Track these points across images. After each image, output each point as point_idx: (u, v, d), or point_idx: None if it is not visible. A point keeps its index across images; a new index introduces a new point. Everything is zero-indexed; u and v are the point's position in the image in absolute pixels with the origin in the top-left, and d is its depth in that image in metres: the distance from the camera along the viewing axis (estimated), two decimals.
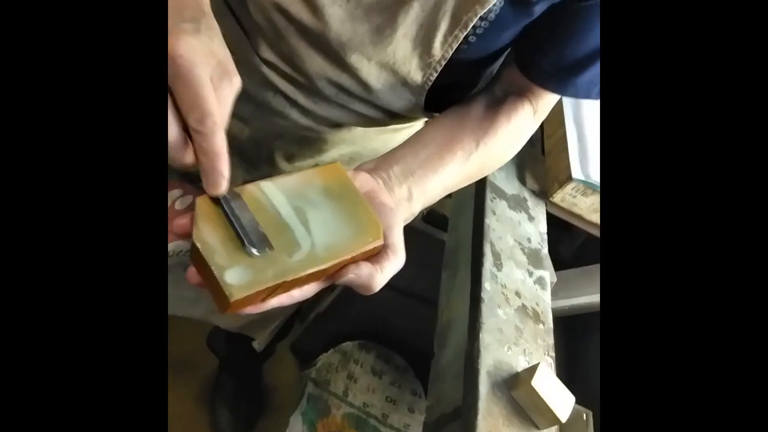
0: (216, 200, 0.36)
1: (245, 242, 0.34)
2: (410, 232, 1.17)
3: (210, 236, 0.34)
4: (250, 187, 0.38)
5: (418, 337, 1.18)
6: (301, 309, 1.23)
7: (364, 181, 0.43)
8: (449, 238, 0.89)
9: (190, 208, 0.66)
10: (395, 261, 0.39)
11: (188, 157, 0.34)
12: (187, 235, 0.35)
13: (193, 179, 0.65)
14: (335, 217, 0.38)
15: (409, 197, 0.45)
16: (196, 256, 0.34)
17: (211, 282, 0.34)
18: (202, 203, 0.36)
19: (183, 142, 0.34)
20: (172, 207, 0.66)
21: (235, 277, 0.33)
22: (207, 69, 0.33)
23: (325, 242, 0.37)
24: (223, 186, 0.35)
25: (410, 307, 1.20)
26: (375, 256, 0.38)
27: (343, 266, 0.37)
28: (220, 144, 0.34)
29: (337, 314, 1.23)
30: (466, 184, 0.52)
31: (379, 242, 0.38)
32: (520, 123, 0.53)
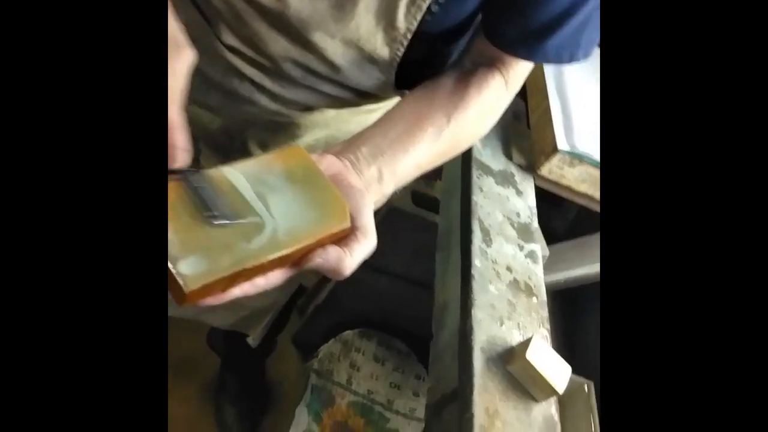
0: (175, 183, 0.35)
1: (210, 211, 0.33)
2: (403, 216, 1.16)
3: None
4: (211, 172, 0.37)
5: (418, 321, 1.18)
6: (297, 302, 1.23)
7: (330, 164, 0.42)
8: (441, 220, 0.89)
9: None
10: (365, 243, 0.38)
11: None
12: None
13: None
14: (298, 201, 0.37)
15: (380, 178, 0.44)
16: None
17: (169, 274, 0.32)
18: None
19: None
20: None
21: (189, 267, 0.32)
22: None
23: (287, 227, 0.36)
24: (180, 158, 0.34)
25: (408, 292, 1.20)
26: (344, 239, 0.38)
27: (310, 251, 0.36)
28: (174, 116, 0.33)
29: (336, 305, 1.22)
30: (440, 162, 0.51)
31: (346, 225, 0.37)
32: (492, 95, 0.52)
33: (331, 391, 1.12)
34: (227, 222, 0.34)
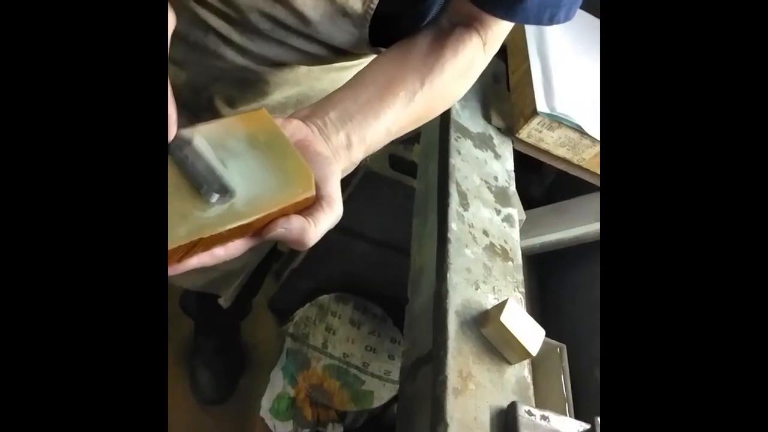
0: None
1: (204, 189, 0.32)
2: (380, 180, 1.14)
3: None
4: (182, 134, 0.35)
5: (395, 286, 1.18)
6: (272, 266, 1.22)
7: (295, 129, 0.40)
8: (419, 184, 0.87)
9: None
10: (330, 213, 0.37)
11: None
12: None
13: None
14: (260, 168, 0.35)
15: (348, 145, 0.42)
16: None
17: None
18: None
19: None
20: None
21: None
22: None
23: (247, 195, 0.34)
24: (171, 132, 0.33)
25: (385, 257, 1.19)
26: (308, 208, 0.36)
27: (272, 220, 0.35)
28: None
29: (312, 269, 1.21)
30: (413, 127, 0.49)
31: (311, 193, 0.36)
32: (468, 56, 0.49)
33: (307, 354, 1.12)
34: (219, 197, 0.33)
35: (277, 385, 1.11)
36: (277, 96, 0.59)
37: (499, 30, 0.51)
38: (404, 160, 1.11)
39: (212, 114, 0.60)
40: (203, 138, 0.35)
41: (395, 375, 1.15)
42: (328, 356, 1.13)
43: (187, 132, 0.35)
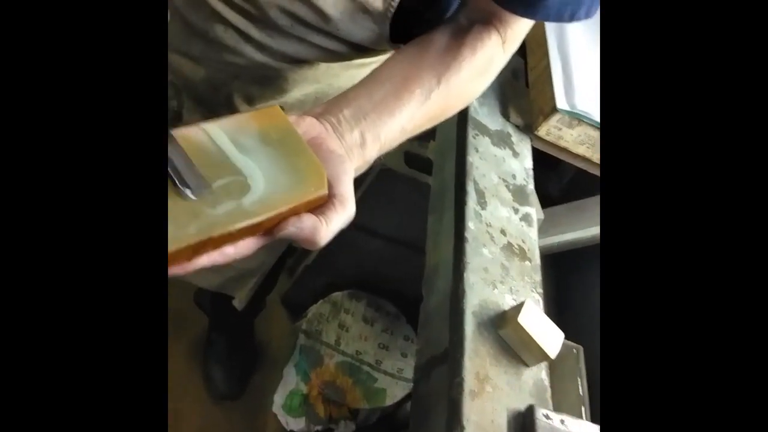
0: None
1: (178, 184, 0.31)
2: (395, 177, 1.13)
3: None
4: (189, 131, 0.34)
5: (409, 283, 1.17)
6: (286, 262, 1.22)
7: (309, 127, 0.39)
8: (434, 181, 0.87)
9: None
10: (343, 213, 0.36)
11: None
12: None
13: None
14: (272, 166, 0.35)
15: (362, 143, 0.42)
16: None
17: None
18: None
19: None
20: None
21: None
22: None
23: (258, 193, 0.33)
24: None
25: (399, 254, 1.19)
26: (320, 207, 0.36)
27: (283, 219, 0.34)
28: None
29: (326, 265, 1.21)
30: (429, 126, 0.48)
31: (323, 192, 0.35)
32: (487, 55, 0.48)
33: (320, 351, 1.12)
34: (193, 195, 0.32)
35: (289, 381, 1.11)
36: (296, 93, 0.58)
37: (519, 28, 0.50)
38: (420, 157, 1.10)
39: (230, 111, 0.59)
40: (216, 134, 0.35)
41: (408, 373, 1.14)
42: (340, 353, 1.13)
43: (201, 127, 0.34)
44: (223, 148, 0.34)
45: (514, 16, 0.48)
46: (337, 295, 1.21)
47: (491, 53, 0.49)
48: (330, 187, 0.36)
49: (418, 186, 1.07)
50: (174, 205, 0.31)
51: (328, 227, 0.35)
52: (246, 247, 0.34)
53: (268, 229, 0.34)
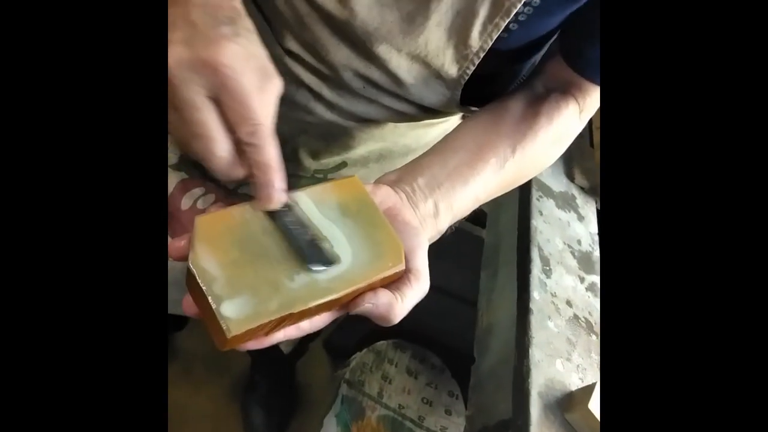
0: (232, 211, 0.33)
1: (304, 259, 0.32)
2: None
3: (209, 261, 0.30)
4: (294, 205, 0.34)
5: (455, 336, 1.14)
6: None
7: (384, 197, 0.38)
8: (488, 235, 0.84)
9: (213, 207, 0.63)
10: (418, 288, 0.34)
11: (239, 171, 0.32)
12: (184, 258, 0.31)
13: (214, 178, 0.61)
14: (351, 239, 0.34)
15: (436, 213, 0.40)
16: (192, 284, 0.30)
17: (207, 313, 0.30)
18: (203, 223, 0.32)
19: (234, 156, 0.32)
20: (194, 206, 0.63)
21: (234, 309, 0.29)
22: (251, 75, 0.31)
23: (338, 268, 0.32)
24: (277, 199, 0.33)
25: (446, 305, 1.16)
26: (395, 282, 0.34)
27: (359, 294, 0.33)
28: (273, 155, 0.32)
29: None
30: (500, 194, 0.47)
31: (400, 267, 0.34)
32: (564, 124, 0.47)
33: (362, 402, 1.09)
34: (320, 269, 0.32)
35: None
36: (360, 150, 0.58)
37: (597, 96, 0.49)
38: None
39: (295, 163, 0.60)
40: (306, 204, 0.35)
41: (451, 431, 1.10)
42: (383, 406, 1.10)
43: (291, 197, 0.34)
44: (311, 217, 0.34)
45: (594, 85, 0.47)
46: (381, 344, 1.18)
47: (567, 123, 0.48)
48: (405, 261, 0.35)
49: (468, 237, 1.05)
50: (255, 277, 0.30)
51: (403, 304, 0.34)
52: (321, 321, 0.33)
53: (343, 304, 0.33)
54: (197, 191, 0.62)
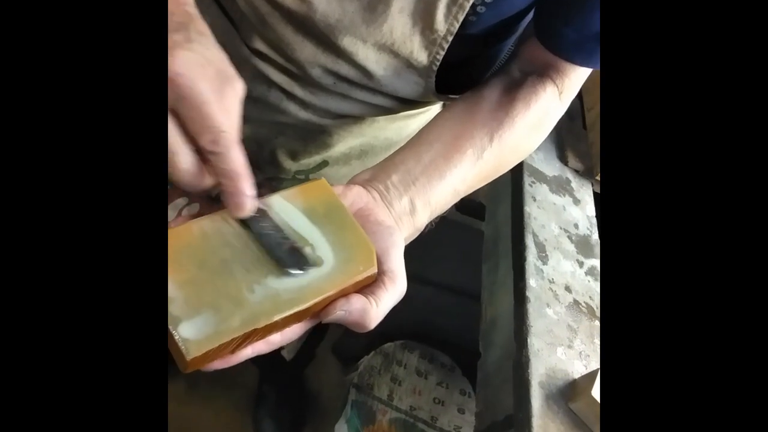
0: (182, 228, 0.31)
1: (283, 263, 0.30)
2: (446, 223, 1.10)
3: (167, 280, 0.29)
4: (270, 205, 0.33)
5: (462, 333, 1.12)
6: None
7: (356, 197, 0.37)
8: (487, 228, 0.83)
9: (198, 215, 0.62)
10: (393, 290, 0.33)
11: (207, 181, 0.32)
12: None
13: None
14: (318, 245, 0.32)
15: (412, 210, 0.39)
16: None
17: (169, 335, 0.28)
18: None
19: (199, 167, 0.31)
20: (179, 216, 0.62)
21: (192, 329, 0.27)
22: (207, 82, 0.30)
23: (305, 276, 0.31)
24: (248, 206, 0.32)
25: (451, 302, 1.14)
26: (369, 286, 0.33)
27: (331, 301, 0.31)
28: (239, 161, 0.31)
29: None
30: (482, 185, 0.45)
31: (372, 270, 0.32)
32: (542, 108, 0.45)
33: (372, 407, 1.07)
34: (300, 272, 0.31)
35: None
36: (340, 147, 0.56)
37: (577, 77, 0.47)
38: (471, 203, 1.06)
39: (275, 166, 0.58)
40: (281, 207, 0.33)
41: (466, 431, 1.08)
42: (394, 409, 1.08)
43: (263, 202, 0.33)
44: (288, 221, 0.33)
45: (572, 66, 0.46)
46: (389, 346, 1.16)
47: (547, 106, 0.46)
48: (379, 263, 0.33)
49: (470, 232, 1.03)
50: (215, 292, 0.29)
51: (378, 308, 0.32)
52: (293, 333, 0.32)
53: (314, 313, 0.32)
54: (180, 201, 0.61)
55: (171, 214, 0.62)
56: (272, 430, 1.13)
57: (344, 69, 0.45)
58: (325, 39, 0.43)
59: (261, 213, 0.33)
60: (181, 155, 0.30)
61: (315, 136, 0.55)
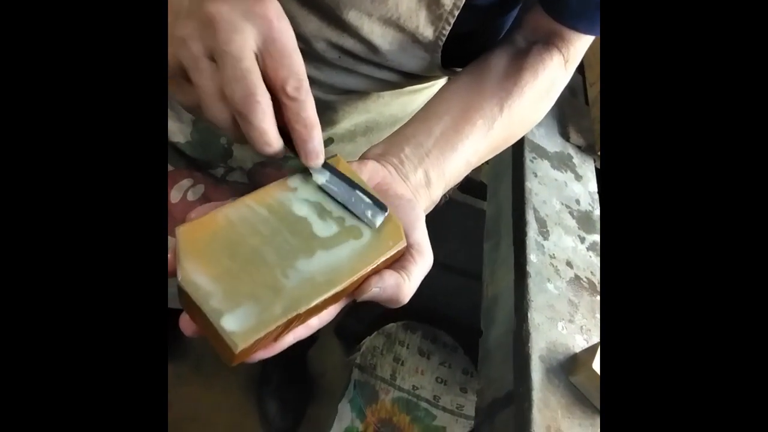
0: (216, 214, 0.30)
1: (362, 217, 0.32)
2: (447, 203, 1.10)
3: (200, 276, 0.28)
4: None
5: (465, 312, 1.13)
6: None
7: (372, 172, 0.36)
8: (489, 206, 0.82)
9: (203, 198, 0.61)
10: (422, 263, 0.32)
11: (278, 142, 0.32)
12: (173, 272, 0.28)
13: (201, 167, 0.60)
14: (349, 221, 0.32)
15: (428, 182, 0.39)
16: (187, 301, 0.28)
17: (209, 330, 0.27)
18: (185, 234, 0.29)
19: (272, 116, 0.31)
20: (185, 198, 0.61)
21: (236, 321, 0.27)
22: (293, 33, 0.31)
23: (337, 255, 0.30)
24: (322, 155, 0.33)
25: (454, 282, 1.14)
26: (398, 260, 0.32)
27: (364, 279, 0.31)
28: (314, 110, 0.32)
29: None
30: (492, 155, 0.45)
31: (402, 245, 0.32)
32: (550, 77, 0.45)
33: (375, 386, 1.08)
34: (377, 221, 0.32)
35: (345, 418, 1.07)
36: (346, 123, 0.56)
37: (581, 45, 0.47)
38: (473, 182, 1.06)
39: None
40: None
41: (469, 410, 1.08)
42: (396, 388, 1.08)
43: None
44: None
45: (576, 34, 0.45)
46: (391, 327, 1.17)
47: (553, 75, 0.46)
48: (405, 236, 0.33)
49: (472, 211, 1.03)
50: (252, 282, 0.28)
51: (410, 282, 0.32)
52: (329, 315, 0.31)
53: (349, 292, 0.31)
54: (185, 183, 0.60)
55: (176, 195, 0.62)
56: (276, 410, 1.14)
57: (349, 43, 0.45)
58: (330, 13, 0.43)
59: (326, 167, 0.33)
60: (263, 104, 0.30)
61: (320, 113, 0.54)
